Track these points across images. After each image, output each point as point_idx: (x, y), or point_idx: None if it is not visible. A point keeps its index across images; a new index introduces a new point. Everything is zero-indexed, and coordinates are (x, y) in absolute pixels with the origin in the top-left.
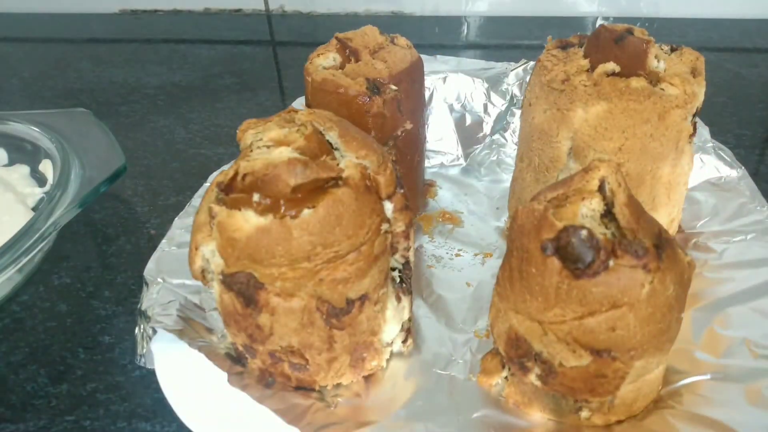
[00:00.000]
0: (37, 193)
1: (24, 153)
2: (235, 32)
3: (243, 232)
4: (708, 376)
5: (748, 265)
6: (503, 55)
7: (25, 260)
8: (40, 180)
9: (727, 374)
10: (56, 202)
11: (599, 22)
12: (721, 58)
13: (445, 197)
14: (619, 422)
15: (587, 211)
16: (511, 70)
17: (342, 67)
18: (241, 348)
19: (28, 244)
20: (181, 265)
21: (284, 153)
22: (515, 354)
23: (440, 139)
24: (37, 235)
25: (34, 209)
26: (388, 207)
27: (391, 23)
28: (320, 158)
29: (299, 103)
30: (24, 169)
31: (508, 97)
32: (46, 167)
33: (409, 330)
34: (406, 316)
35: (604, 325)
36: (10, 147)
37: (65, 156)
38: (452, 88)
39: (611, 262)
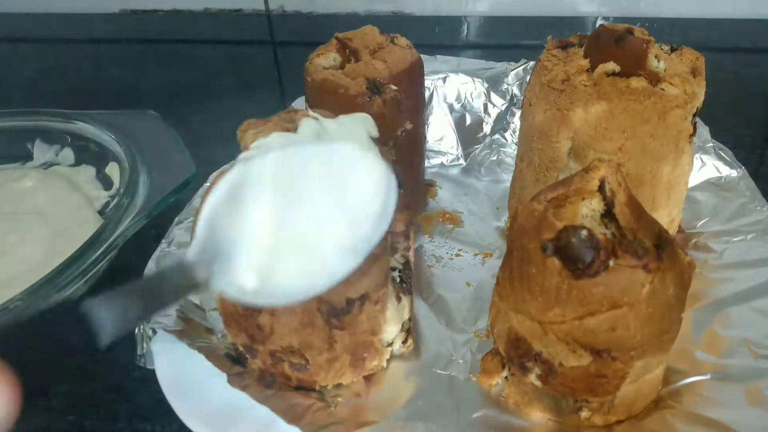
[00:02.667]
0: (102, 196)
1: (89, 153)
2: (235, 32)
3: None
4: (708, 376)
5: (749, 265)
6: (503, 55)
7: (92, 272)
8: (106, 182)
9: (728, 374)
10: (124, 211)
11: (599, 22)
12: (721, 58)
13: (445, 197)
14: (619, 422)
15: (587, 211)
16: (511, 70)
17: (342, 67)
18: (241, 348)
19: (95, 256)
20: None
21: None
22: (515, 354)
23: (440, 139)
24: (104, 246)
25: (99, 213)
26: None
27: (391, 23)
28: None
29: (299, 103)
30: (90, 171)
31: (508, 97)
32: (113, 170)
33: (410, 330)
34: (406, 316)
35: (604, 325)
36: (77, 147)
37: (133, 161)
38: (452, 88)
39: (611, 262)
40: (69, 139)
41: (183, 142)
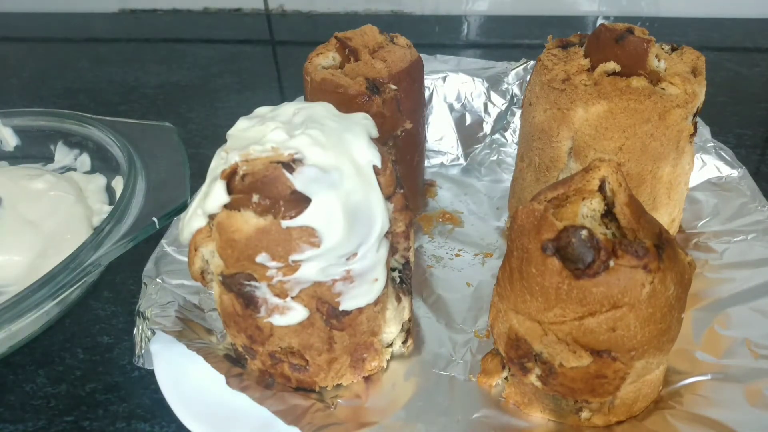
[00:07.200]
0: (105, 211)
1: (104, 163)
2: (235, 32)
3: (242, 233)
4: (708, 377)
5: (749, 265)
6: (503, 54)
7: (63, 295)
8: (113, 195)
9: (728, 374)
10: (105, 236)
11: (600, 21)
12: (721, 57)
13: (445, 197)
14: (620, 423)
15: (588, 211)
16: (512, 70)
17: (341, 66)
18: (240, 349)
19: (66, 280)
20: (180, 265)
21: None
22: (515, 354)
23: (440, 138)
24: (77, 271)
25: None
26: (388, 207)
27: (391, 22)
28: None
29: None
30: (101, 181)
31: (508, 97)
32: (118, 184)
33: (409, 330)
34: (406, 316)
35: (604, 326)
36: (94, 154)
37: (133, 181)
38: (452, 87)
39: (611, 263)
40: (89, 145)
41: (188, 162)
